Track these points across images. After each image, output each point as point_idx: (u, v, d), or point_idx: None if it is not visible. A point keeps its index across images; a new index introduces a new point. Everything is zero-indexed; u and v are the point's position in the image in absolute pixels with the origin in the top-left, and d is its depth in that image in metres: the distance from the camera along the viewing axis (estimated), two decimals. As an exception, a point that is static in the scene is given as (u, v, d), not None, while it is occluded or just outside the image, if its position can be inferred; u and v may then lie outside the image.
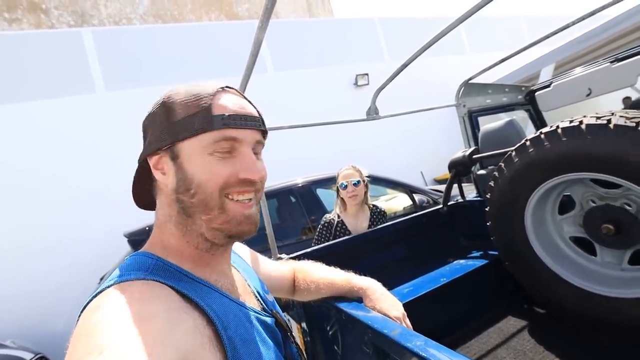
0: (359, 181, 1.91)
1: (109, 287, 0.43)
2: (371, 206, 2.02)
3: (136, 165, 0.57)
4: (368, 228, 1.95)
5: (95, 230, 4.67)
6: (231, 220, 0.51)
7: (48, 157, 4.71)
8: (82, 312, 0.41)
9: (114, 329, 0.36)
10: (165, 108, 0.51)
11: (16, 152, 4.57)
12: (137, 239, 3.02)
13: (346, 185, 1.91)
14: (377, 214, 2.00)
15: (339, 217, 1.96)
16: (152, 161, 0.52)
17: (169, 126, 0.50)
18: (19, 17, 8.67)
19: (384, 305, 0.81)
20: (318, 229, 2.00)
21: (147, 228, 3.07)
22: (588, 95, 1.87)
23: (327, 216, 2.01)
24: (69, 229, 4.62)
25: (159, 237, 0.55)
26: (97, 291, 0.44)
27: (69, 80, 5.04)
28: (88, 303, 0.42)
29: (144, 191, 0.59)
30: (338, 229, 1.93)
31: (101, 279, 3.52)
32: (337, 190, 1.99)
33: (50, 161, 4.70)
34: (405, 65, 1.47)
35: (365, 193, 1.97)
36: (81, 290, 4.23)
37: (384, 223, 1.97)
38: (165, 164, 0.51)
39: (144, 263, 0.49)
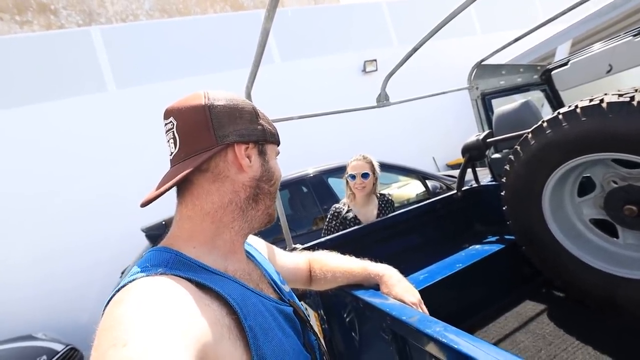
0: (367, 174, 1.89)
1: (130, 282, 0.44)
2: (379, 195, 2.01)
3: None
4: (377, 216, 1.94)
5: (112, 229, 4.78)
6: (275, 208, 0.66)
7: (63, 159, 4.80)
8: (106, 306, 0.43)
9: (137, 322, 0.37)
10: (254, 112, 0.61)
11: (30, 155, 4.67)
12: (155, 233, 3.09)
13: (355, 177, 1.90)
14: (385, 203, 2.00)
15: (348, 206, 1.97)
16: (240, 148, 0.57)
17: (260, 127, 0.61)
18: (30, 19, 8.80)
19: (400, 291, 0.81)
20: (327, 219, 2.01)
21: (163, 222, 3.13)
22: (609, 72, 1.79)
23: (336, 206, 2.02)
24: (87, 229, 4.74)
25: (189, 228, 0.55)
26: (119, 286, 0.45)
27: (80, 79, 5.10)
28: (111, 297, 0.43)
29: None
30: (347, 218, 1.93)
31: (122, 273, 3.64)
32: (347, 180, 1.99)
33: (65, 162, 4.80)
34: (415, 50, 1.43)
35: (374, 185, 1.96)
36: (103, 286, 4.41)
37: (393, 211, 1.97)
38: (252, 155, 0.59)
39: (163, 258, 0.50)
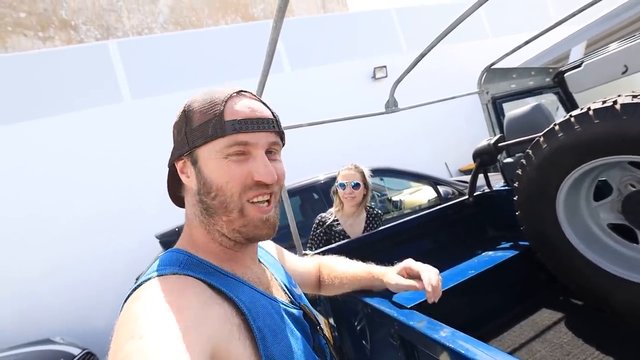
0: (358, 184, 1.85)
1: (146, 280, 0.47)
2: (368, 208, 1.96)
3: (164, 169, 0.61)
4: (364, 230, 1.90)
5: (127, 238, 4.88)
6: (249, 224, 0.53)
7: (81, 168, 4.95)
8: (124, 303, 0.45)
9: (152, 317, 0.39)
10: (185, 115, 0.55)
11: (49, 166, 4.83)
12: (168, 239, 3.15)
13: (345, 185, 1.86)
14: (374, 217, 1.95)
15: (334, 216, 1.92)
16: (178, 166, 0.57)
17: (189, 133, 0.53)
18: (52, 35, 9.21)
19: (399, 278, 0.80)
20: (312, 228, 1.96)
21: (177, 229, 3.19)
22: (624, 73, 1.75)
23: (322, 215, 1.97)
24: (103, 239, 4.86)
25: (188, 234, 0.58)
26: (137, 284, 0.47)
27: (97, 91, 5.29)
28: (129, 295, 0.46)
29: (176, 191, 0.63)
30: (333, 228, 1.89)
31: (137, 279, 3.71)
32: (336, 189, 1.94)
33: (83, 171, 4.94)
34: (422, 55, 1.44)
35: (365, 196, 1.90)
36: (118, 294, 4.49)
37: (380, 225, 1.92)
38: (188, 168, 0.55)
39: (177, 259, 0.52)
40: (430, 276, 0.74)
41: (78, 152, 4.99)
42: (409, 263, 0.81)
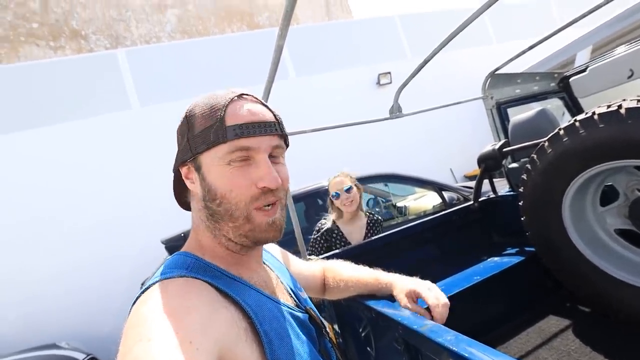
0: (350, 187, 1.87)
1: (154, 283, 0.47)
2: (367, 214, 1.98)
3: (171, 175, 0.61)
4: (365, 236, 1.91)
5: (133, 244, 4.91)
6: (256, 229, 0.53)
7: (90, 174, 5.00)
8: (132, 306, 0.46)
9: (160, 320, 0.39)
10: (187, 121, 0.55)
11: (57, 171, 4.89)
12: (174, 245, 3.17)
13: (339, 194, 1.88)
14: (374, 222, 1.97)
15: (333, 222, 1.93)
16: (183, 171, 0.57)
17: (191, 138, 0.53)
18: (62, 44, 9.43)
19: (410, 287, 0.77)
20: (312, 237, 1.96)
21: (182, 234, 3.21)
22: (630, 77, 1.74)
23: (321, 222, 1.98)
24: (108, 244, 4.90)
25: (195, 238, 0.59)
26: (145, 286, 0.48)
27: (106, 99, 5.39)
28: (137, 298, 0.47)
29: (182, 195, 0.63)
30: (334, 236, 1.90)
31: (142, 284, 3.72)
32: (331, 201, 1.95)
33: (91, 177, 5.00)
34: (426, 61, 1.45)
35: (360, 197, 1.92)
36: (123, 299, 4.52)
37: (381, 231, 1.93)
38: (192, 174, 0.55)
39: (184, 262, 0.53)
40: (442, 312, 0.71)
41: (87, 158, 5.06)
42: (419, 289, 0.76)
